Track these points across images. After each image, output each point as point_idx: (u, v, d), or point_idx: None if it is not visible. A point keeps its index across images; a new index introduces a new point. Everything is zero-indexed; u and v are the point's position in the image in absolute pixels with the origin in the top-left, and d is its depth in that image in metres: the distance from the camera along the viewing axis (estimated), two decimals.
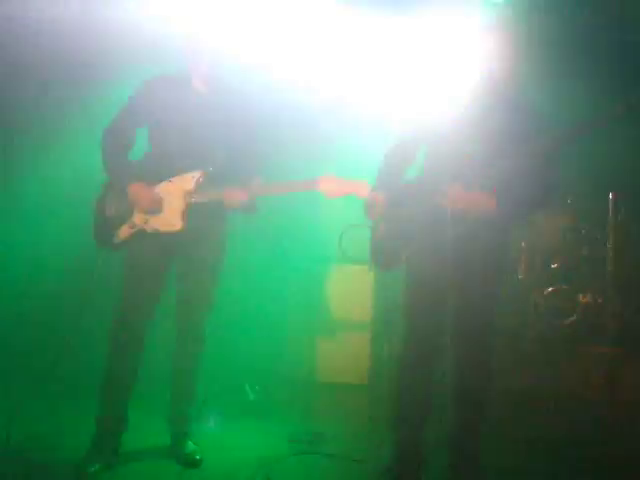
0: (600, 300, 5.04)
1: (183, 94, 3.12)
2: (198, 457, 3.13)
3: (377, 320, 4.76)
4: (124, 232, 3.09)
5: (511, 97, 2.85)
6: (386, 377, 4.61)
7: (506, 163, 2.67)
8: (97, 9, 4.54)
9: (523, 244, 5.40)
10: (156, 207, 3.03)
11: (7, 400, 3.34)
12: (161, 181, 3.07)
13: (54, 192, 4.63)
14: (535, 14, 4.97)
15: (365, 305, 4.77)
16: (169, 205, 3.05)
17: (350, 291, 4.74)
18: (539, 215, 5.19)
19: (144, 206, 3.02)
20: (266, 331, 4.71)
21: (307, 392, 4.48)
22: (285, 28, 4.48)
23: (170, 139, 3.09)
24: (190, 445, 3.20)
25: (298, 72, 5.02)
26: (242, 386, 4.07)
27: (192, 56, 3.08)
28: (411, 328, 2.93)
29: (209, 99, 3.13)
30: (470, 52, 2.91)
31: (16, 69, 4.77)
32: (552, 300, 5.05)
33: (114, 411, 3.10)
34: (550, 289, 5.09)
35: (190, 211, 3.04)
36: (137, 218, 3.07)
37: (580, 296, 5.09)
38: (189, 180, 3.04)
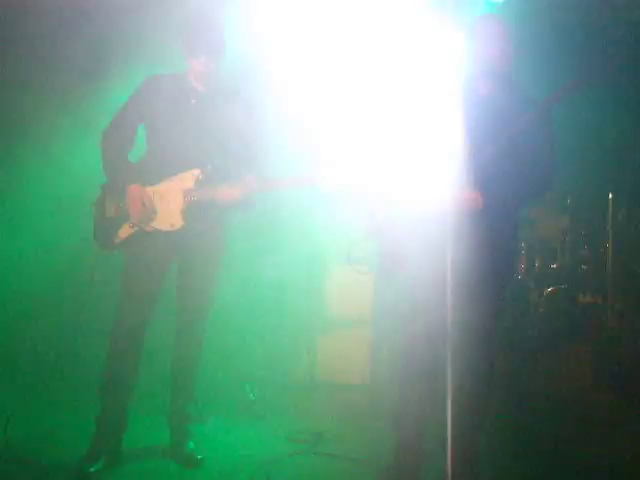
0: (600, 300, 5.04)
1: (181, 92, 3.12)
2: (198, 457, 3.13)
3: (377, 320, 4.77)
4: (124, 232, 3.09)
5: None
6: (386, 377, 4.61)
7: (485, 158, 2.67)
8: None
9: (523, 244, 5.41)
10: (147, 211, 3.03)
11: (7, 400, 3.34)
12: (161, 180, 3.07)
13: (54, 193, 4.64)
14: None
15: (365, 305, 4.77)
16: (169, 204, 3.05)
17: (350, 291, 4.75)
18: (529, 208, 5.20)
19: (138, 209, 3.02)
20: (266, 331, 4.72)
21: (307, 392, 4.48)
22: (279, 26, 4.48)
23: (168, 137, 3.10)
24: (190, 445, 3.20)
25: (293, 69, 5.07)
26: (242, 386, 4.06)
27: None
28: (409, 329, 2.92)
29: (207, 97, 3.13)
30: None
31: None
32: (552, 300, 5.05)
33: (114, 411, 3.10)
34: (550, 289, 5.09)
35: (190, 210, 3.04)
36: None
37: (580, 296, 5.09)
38: (189, 178, 3.05)
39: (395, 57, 4.32)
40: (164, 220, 3.05)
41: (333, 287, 4.77)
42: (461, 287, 2.85)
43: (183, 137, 3.09)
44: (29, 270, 4.59)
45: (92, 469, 2.92)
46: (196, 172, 3.04)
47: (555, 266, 5.32)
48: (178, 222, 3.04)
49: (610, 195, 5.09)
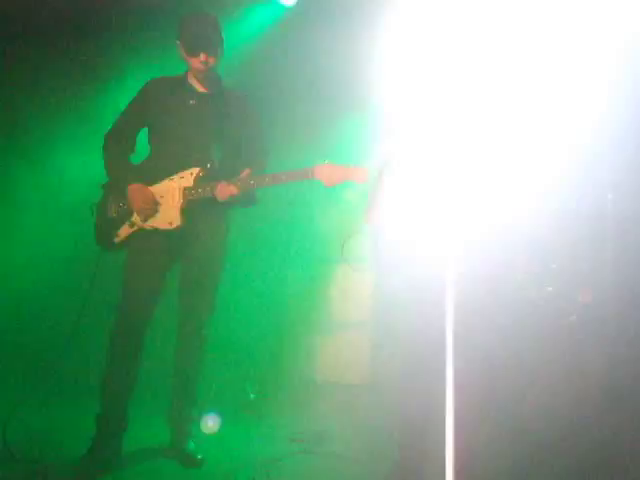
0: (600, 300, 5.04)
1: (180, 94, 3.13)
2: (198, 457, 3.13)
3: (377, 320, 4.77)
4: (124, 231, 3.10)
5: None
6: (387, 377, 4.62)
7: None
8: None
9: (522, 244, 5.41)
10: (149, 208, 3.04)
11: (7, 400, 3.34)
12: (161, 180, 3.08)
13: (54, 196, 4.65)
14: None
15: (365, 305, 4.77)
16: (168, 203, 3.06)
17: (350, 290, 4.75)
18: None
19: (139, 206, 3.03)
20: (266, 331, 4.72)
21: (307, 392, 4.48)
22: None
23: (169, 139, 3.11)
24: (190, 445, 3.20)
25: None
26: (242, 385, 4.06)
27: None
28: (410, 332, 2.93)
29: (205, 97, 3.14)
30: None
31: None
32: (552, 300, 5.05)
33: (114, 410, 3.10)
34: (550, 289, 5.09)
35: (189, 208, 3.05)
36: (136, 217, 3.08)
37: (580, 296, 5.09)
38: (188, 177, 3.06)
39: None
40: (163, 219, 3.06)
41: (333, 287, 4.77)
42: (461, 286, 2.87)
43: (183, 138, 3.10)
44: (28, 270, 4.60)
45: (92, 469, 2.92)
46: (195, 171, 3.05)
47: (555, 266, 5.33)
48: (177, 220, 3.04)
49: (610, 195, 5.10)
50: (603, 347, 3.38)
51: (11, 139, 4.85)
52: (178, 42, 3.08)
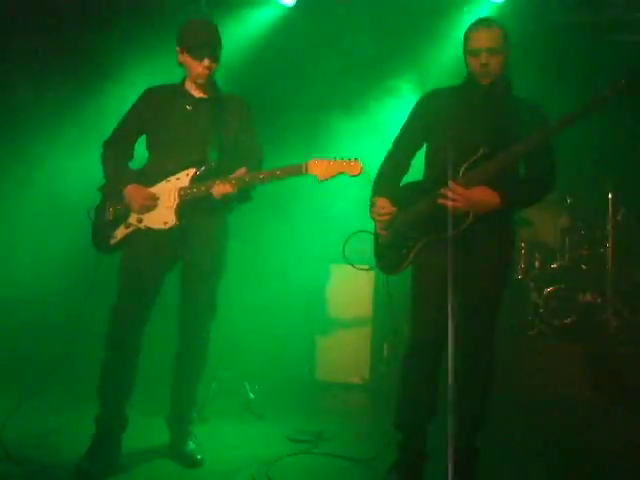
0: (600, 300, 5.04)
1: (178, 100, 3.16)
2: (198, 457, 3.13)
3: (378, 319, 4.77)
4: (120, 232, 3.12)
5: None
6: (387, 377, 4.62)
7: (505, 156, 2.66)
8: None
9: (522, 244, 5.41)
10: (150, 204, 3.05)
11: (7, 400, 3.34)
12: (158, 182, 3.10)
13: (56, 197, 4.66)
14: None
15: (366, 304, 4.77)
16: (164, 203, 3.08)
17: (351, 290, 4.75)
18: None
19: (139, 203, 3.04)
20: (266, 330, 4.72)
21: (307, 392, 4.48)
22: None
23: (166, 144, 3.14)
24: (190, 445, 3.20)
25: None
26: (242, 386, 4.06)
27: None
28: (416, 331, 2.92)
29: (202, 103, 3.16)
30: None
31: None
32: (552, 300, 5.05)
33: (113, 411, 3.10)
34: (550, 289, 5.09)
35: (185, 207, 3.06)
36: (132, 218, 3.10)
37: (580, 296, 5.09)
38: (184, 177, 3.08)
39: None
40: (158, 219, 3.08)
41: (334, 286, 4.78)
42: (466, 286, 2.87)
43: (179, 141, 3.12)
44: (28, 272, 4.61)
45: (91, 469, 2.92)
46: (191, 171, 3.07)
47: (555, 266, 5.33)
48: (172, 221, 3.06)
49: (610, 195, 5.09)
50: None
51: (11, 142, 4.87)
52: (179, 48, 3.10)
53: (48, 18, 4.86)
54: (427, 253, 2.84)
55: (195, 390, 3.27)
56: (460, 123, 2.84)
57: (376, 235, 3.02)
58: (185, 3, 5.08)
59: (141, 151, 3.26)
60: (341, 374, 4.68)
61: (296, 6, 5.18)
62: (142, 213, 3.07)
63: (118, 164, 3.18)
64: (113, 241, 3.12)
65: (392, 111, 4.97)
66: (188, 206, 3.06)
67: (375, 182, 3.01)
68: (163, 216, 3.06)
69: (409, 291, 2.95)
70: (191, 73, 3.13)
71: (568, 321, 4.99)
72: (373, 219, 2.94)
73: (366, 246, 3.18)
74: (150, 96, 3.22)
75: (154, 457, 3.18)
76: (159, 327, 3.26)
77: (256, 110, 3.29)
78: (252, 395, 4.01)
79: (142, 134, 3.23)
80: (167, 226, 3.05)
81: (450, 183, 2.68)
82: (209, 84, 3.17)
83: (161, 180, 3.09)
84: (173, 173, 3.08)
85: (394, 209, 2.86)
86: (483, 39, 2.77)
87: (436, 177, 2.82)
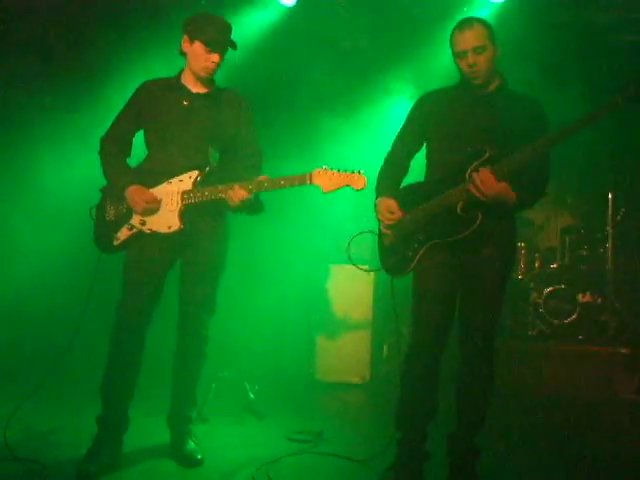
0: (600, 300, 5.05)
1: (174, 95, 3.14)
2: (198, 457, 3.13)
3: (378, 320, 4.77)
4: (123, 234, 3.09)
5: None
6: (387, 377, 4.62)
7: (520, 156, 2.65)
8: None
9: (522, 244, 5.41)
10: (153, 207, 3.04)
11: (7, 400, 3.34)
12: (159, 183, 3.08)
13: (57, 195, 4.66)
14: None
15: (366, 304, 4.77)
16: (167, 206, 3.05)
17: (351, 291, 4.75)
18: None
19: (141, 206, 3.03)
20: (266, 331, 4.72)
21: (307, 392, 4.49)
22: None
23: (164, 140, 3.11)
24: (190, 445, 3.20)
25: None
26: (242, 386, 4.06)
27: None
28: (417, 330, 2.91)
29: (199, 98, 3.15)
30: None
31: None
32: (552, 300, 5.05)
33: (116, 411, 3.10)
34: (550, 289, 5.09)
35: (188, 212, 3.04)
36: (135, 220, 3.08)
37: (580, 296, 5.09)
38: (187, 180, 3.05)
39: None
40: (162, 222, 3.05)
41: (334, 287, 4.78)
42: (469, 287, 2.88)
43: (180, 140, 3.10)
44: (30, 272, 4.61)
45: (92, 469, 2.92)
46: (194, 174, 3.05)
47: (555, 266, 5.33)
48: (176, 225, 3.03)
49: (610, 195, 5.10)
50: None
51: (12, 140, 4.87)
52: (188, 37, 3.06)
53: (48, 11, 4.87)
54: (432, 254, 2.84)
55: (195, 387, 3.26)
56: (460, 124, 2.84)
57: (380, 237, 3.02)
58: (185, 3, 5.08)
59: (138, 147, 3.25)
60: (341, 374, 4.68)
61: (296, 6, 5.18)
62: (145, 215, 3.06)
63: (117, 162, 3.14)
64: (116, 242, 3.10)
65: (392, 112, 4.97)
66: (191, 209, 3.05)
67: (377, 184, 3.01)
68: (167, 220, 3.04)
69: (410, 291, 2.95)
70: (195, 65, 3.08)
71: (568, 321, 5.00)
72: (379, 220, 2.94)
73: (367, 247, 3.18)
74: (146, 90, 3.18)
75: (154, 457, 3.17)
76: (159, 327, 3.26)
77: (255, 110, 3.28)
78: (252, 395, 4.01)
79: (140, 129, 3.20)
80: (171, 230, 3.04)
81: (482, 171, 2.64)
82: (208, 79, 3.15)
83: (163, 181, 3.07)
84: (175, 175, 3.06)
85: (401, 211, 2.85)
86: (467, 39, 2.76)
87: (441, 179, 2.82)
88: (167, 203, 3.05)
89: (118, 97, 3.54)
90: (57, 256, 4.58)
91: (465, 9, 5.12)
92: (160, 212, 3.05)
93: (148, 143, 3.18)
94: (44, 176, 4.73)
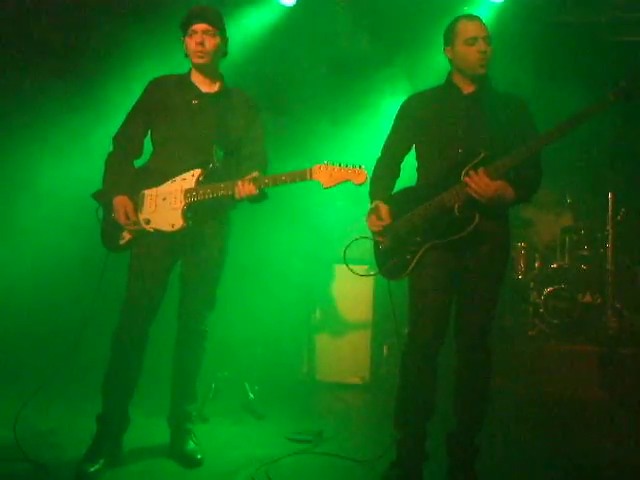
0: (600, 300, 5.04)
1: (183, 93, 3.13)
2: (198, 457, 3.13)
3: (378, 320, 4.77)
4: (128, 233, 3.10)
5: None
6: (387, 377, 4.62)
7: (514, 155, 2.67)
8: None
9: (522, 244, 5.41)
10: (128, 224, 3.04)
11: (7, 400, 3.34)
12: (164, 181, 3.08)
13: (64, 195, 4.66)
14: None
15: (366, 304, 4.77)
16: (171, 205, 3.05)
17: (351, 291, 4.75)
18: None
19: (121, 220, 3.04)
20: (266, 331, 4.72)
21: (307, 392, 4.48)
22: None
23: (171, 138, 3.11)
24: (190, 445, 3.20)
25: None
26: (242, 386, 4.06)
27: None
28: (414, 328, 2.93)
29: (208, 97, 3.14)
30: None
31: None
32: (552, 300, 5.05)
33: (116, 411, 3.10)
34: (550, 289, 5.09)
35: (191, 210, 3.05)
36: (140, 219, 3.08)
37: (580, 296, 5.09)
38: (190, 178, 3.05)
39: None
40: (165, 221, 3.05)
41: (334, 287, 4.78)
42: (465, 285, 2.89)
43: (185, 138, 3.09)
44: (35, 272, 4.61)
45: (92, 469, 2.92)
46: (197, 172, 3.04)
47: (555, 266, 5.33)
48: (178, 223, 3.03)
49: (610, 195, 5.10)
50: None
51: (10, 142, 4.87)
52: (182, 38, 3.07)
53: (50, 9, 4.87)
54: (429, 254, 2.86)
55: (194, 383, 3.27)
56: (449, 126, 2.87)
57: (376, 241, 3.03)
58: (185, 3, 5.08)
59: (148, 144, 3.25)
60: (341, 374, 4.68)
61: (296, 6, 5.18)
62: (148, 214, 3.05)
63: (118, 168, 3.14)
64: (122, 241, 3.11)
65: (392, 112, 4.96)
66: (195, 208, 3.05)
67: (370, 189, 3.04)
68: (170, 218, 3.04)
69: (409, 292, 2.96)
70: (191, 56, 3.08)
71: (568, 321, 4.99)
72: (370, 228, 2.97)
73: (368, 248, 3.18)
74: (154, 88, 3.17)
75: (154, 457, 3.18)
76: (160, 327, 3.26)
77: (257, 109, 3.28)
78: (252, 395, 4.01)
79: (149, 127, 3.18)
80: (174, 228, 3.04)
81: (479, 171, 2.67)
82: (213, 76, 3.14)
83: (166, 180, 3.07)
84: (178, 173, 3.06)
85: (390, 218, 2.90)
86: (479, 27, 2.84)
87: (436, 181, 2.85)
88: (171, 201, 3.04)
89: (124, 96, 3.54)
90: (64, 256, 4.57)
91: (465, 9, 5.12)
92: (164, 211, 3.05)
93: (154, 142, 3.18)
94: (42, 177, 4.72)
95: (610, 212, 5.08)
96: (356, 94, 5.25)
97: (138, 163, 3.23)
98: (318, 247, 4.79)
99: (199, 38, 3.03)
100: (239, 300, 4.46)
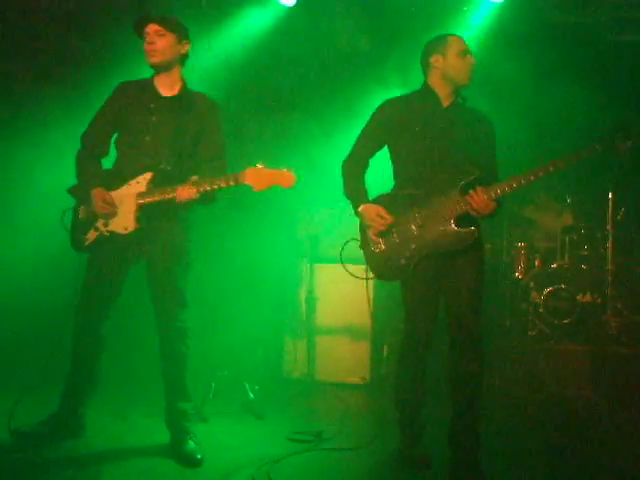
0: (600, 300, 5.04)
1: (143, 97, 3.21)
2: (198, 457, 3.13)
3: (378, 320, 4.77)
4: (91, 235, 3.20)
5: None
6: (387, 377, 4.62)
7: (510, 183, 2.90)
8: None
9: (522, 244, 5.41)
10: (110, 209, 3.11)
11: (7, 399, 3.35)
12: (121, 185, 3.16)
13: (55, 193, 4.65)
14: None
15: (366, 304, 4.76)
16: (125, 208, 3.12)
17: (351, 291, 4.74)
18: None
19: (99, 208, 3.12)
20: (266, 331, 4.72)
21: (307, 392, 4.48)
22: None
23: (130, 142, 3.19)
24: (190, 445, 3.20)
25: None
26: (242, 385, 4.06)
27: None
28: (408, 324, 3.07)
29: (165, 102, 3.20)
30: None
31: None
32: (552, 300, 5.04)
33: (70, 405, 3.22)
34: (550, 289, 5.08)
35: (143, 213, 3.10)
36: (99, 222, 3.19)
37: (580, 296, 5.09)
38: (142, 182, 3.12)
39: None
40: (120, 224, 3.15)
41: (334, 287, 4.77)
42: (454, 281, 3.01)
43: (141, 142, 3.18)
44: (29, 269, 4.61)
45: (48, 433, 3.06)
46: (148, 176, 3.12)
47: (555, 266, 5.32)
48: (131, 226, 3.12)
49: (610, 195, 5.09)
50: None
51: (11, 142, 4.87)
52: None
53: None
54: (423, 259, 3.01)
55: (184, 380, 3.28)
56: (435, 135, 3.01)
57: (367, 245, 3.07)
58: (185, 3, 5.08)
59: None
60: (341, 374, 4.68)
61: (296, 6, 5.18)
62: (107, 218, 3.11)
63: (89, 165, 3.25)
64: (86, 243, 3.20)
65: None
66: (147, 210, 3.10)
67: (347, 187, 3.14)
68: (124, 221, 3.14)
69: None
70: (146, 60, 3.17)
71: (568, 321, 4.99)
72: (369, 227, 3.00)
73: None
74: (121, 91, 3.28)
75: (154, 457, 3.18)
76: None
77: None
78: (252, 395, 4.01)
79: (114, 128, 3.29)
80: (127, 231, 3.14)
81: (479, 192, 2.89)
82: (171, 75, 3.20)
83: (124, 183, 3.15)
84: (133, 177, 3.14)
85: (391, 219, 2.99)
86: (466, 45, 3.05)
87: (431, 191, 3.00)
88: (126, 204, 3.13)
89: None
90: (57, 253, 4.57)
91: (465, 9, 5.12)
92: (119, 214, 3.12)
93: (116, 145, 3.30)
94: (42, 177, 4.73)
95: (610, 212, 5.08)
96: (356, 94, 5.24)
97: (106, 162, 3.31)
98: (318, 247, 4.79)
99: (149, 38, 3.14)
100: (239, 300, 4.46)
